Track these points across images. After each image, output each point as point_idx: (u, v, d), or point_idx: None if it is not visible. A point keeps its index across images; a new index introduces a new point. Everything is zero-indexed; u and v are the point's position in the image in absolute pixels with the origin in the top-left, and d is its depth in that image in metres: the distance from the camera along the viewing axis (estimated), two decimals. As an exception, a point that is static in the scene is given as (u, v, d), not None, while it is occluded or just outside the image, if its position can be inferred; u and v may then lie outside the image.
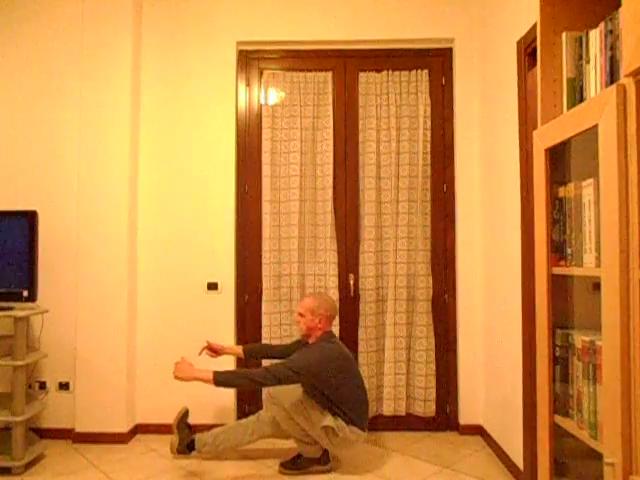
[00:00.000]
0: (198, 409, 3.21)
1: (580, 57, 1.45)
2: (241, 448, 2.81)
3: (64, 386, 3.15)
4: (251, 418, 2.73)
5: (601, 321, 1.21)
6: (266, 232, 3.29)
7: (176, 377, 2.43)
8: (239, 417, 3.26)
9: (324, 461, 2.65)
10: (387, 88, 3.33)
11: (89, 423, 3.05)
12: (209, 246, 3.27)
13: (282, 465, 2.65)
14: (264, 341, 3.24)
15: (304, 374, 2.42)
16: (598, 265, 1.29)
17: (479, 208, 3.25)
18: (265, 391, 2.59)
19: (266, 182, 3.30)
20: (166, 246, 3.28)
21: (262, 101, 3.37)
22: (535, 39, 2.29)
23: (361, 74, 3.37)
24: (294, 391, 2.58)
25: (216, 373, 2.37)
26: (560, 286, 1.54)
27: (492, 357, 3.00)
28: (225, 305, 3.26)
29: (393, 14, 3.30)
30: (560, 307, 1.54)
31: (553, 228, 1.52)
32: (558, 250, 1.51)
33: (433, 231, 3.31)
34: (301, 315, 2.67)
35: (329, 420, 2.50)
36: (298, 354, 2.53)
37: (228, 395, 3.22)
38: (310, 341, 2.69)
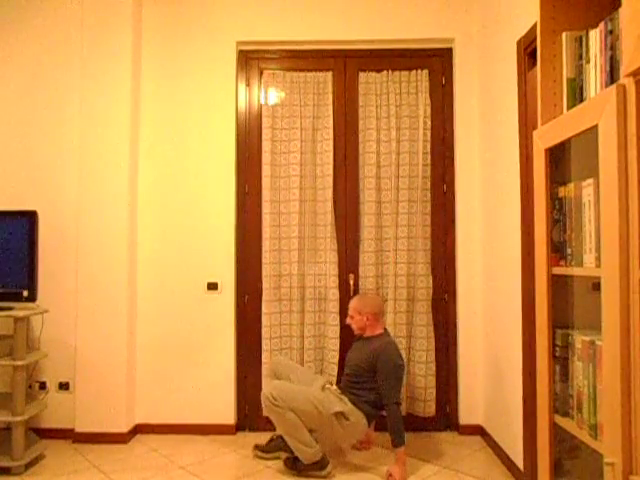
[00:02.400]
0: (198, 409, 3.21)
1: (580, 57, 1.45)
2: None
3: (64, 386, 3.15)
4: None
5: (601, 321, 1.21)
6: (266, 232, 3.29)
7: None
8: (239, 417, 3.26)
9: (322, 465, 2.59)
10: (387, 88, 3.33)
11: (89, 423, 3.05)
12: (209, 246, 3.27)
13: (285, 461, 2.65)
14: (264, 341, 3.22)
15: (401, 373, 2.64)
16: (598, 265, 1.29)
17: (479, 208, 3.25)
18: (266, 397, 2.51)
19: (266, 182, 3.30)
20: (166, 246, 3.28)
21: (262, 101, 3.37)
22: (535, 39, 2.29)
23: (361, 74, 3.37)
24: (295, 387, 2.61)
25: (397, 445, 2.53)
26: (560, 286, 1.54)
27: (492, 357, 3.00)
28: (225, 305, 3.26)
29: (393, 14, 3.30)
30: (560, 307, 1.54)
31: (553, 228, 1.52)
32: (558, 250, 1.51)
33: (433, 231, 3.31)
34: (351, 317, 2.81)
35: (339, 406, 2.56)
36: (381, 362, 2.60)
37: (228, 395, 3.22)
38: (366, 335, 2.79)
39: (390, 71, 3.34)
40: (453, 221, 3.31)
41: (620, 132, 1.14)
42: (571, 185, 1.45)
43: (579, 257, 1.40)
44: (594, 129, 1.26)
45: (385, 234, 3.30)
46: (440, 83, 3.35)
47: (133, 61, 3.19)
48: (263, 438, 2.98)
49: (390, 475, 2.54)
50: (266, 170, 3.31)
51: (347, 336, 3.26)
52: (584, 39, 1.43)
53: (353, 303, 2.81)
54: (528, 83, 2.44)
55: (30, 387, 3.13)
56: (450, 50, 3.35)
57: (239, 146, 3.36)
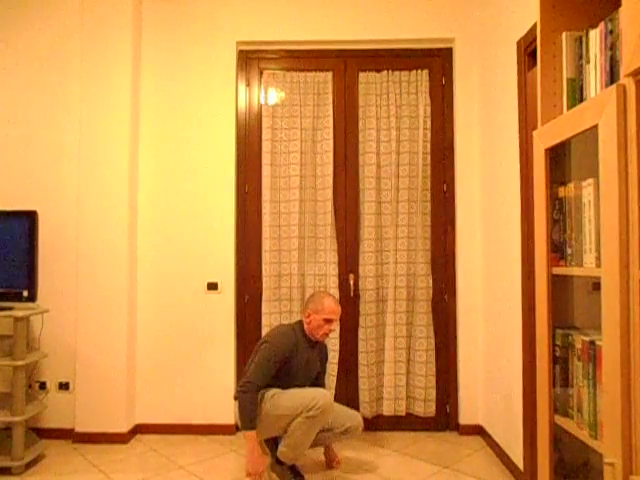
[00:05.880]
0: (198, 409, 3.21)
1: (580, 57, 1.45)
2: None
3: (64, 386, 3.15)
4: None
5: (601, 321, 1.21)
6: (266, 232, 3.29)
7: None
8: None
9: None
10: (387, 88, 3.33)
11: (89, 423, 3.05)
12: (209, 246, 3.27)
13: (273, 467, 2.61)
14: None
15: None
16: (598, 265, 1.29)
17: (479, 208, 3.25)
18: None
19: (266, 182, 3.30)
20: (166, 246, 3.28)
21: (262, 101, 3.37)
22: (535, 39, 2.29)
23: (361, 74, 3.37)
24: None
25: None
26: (560, 286, 1.54)
27: (492, 357, 3.00)
28: (225, 305, 3.26)
29: (393, 14, 3.30)
30: (560, 307, 1.54)
31: (553, 228, 1.52)
32: (558, 250, 1.51)
33: (433, 231, 3.31)
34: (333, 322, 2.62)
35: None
36: (325, 352, 2.78)
37: (228, 395, 3.22)
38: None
39: (390, 71, 3.34)
40: (453, 221, 3.31)
41: (620, 132, 1.14)
42: (571, 185, 1.45)
43: (579, 257, 1.40)
44: (594, 129, 1.26)
45: (385, 234, 3.30)
46: (440, 83, 3.35)
47: (133, 60, 3.19)
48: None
49: (337, 461, 2.66)
50: (266, 170, 3.31)
51: (347, 336, 3.27)
52: (584, 39, 1.43)
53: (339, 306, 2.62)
54: (528, 83, 2.44)
55: (30, 387, 3.14)
56: (450, 50, 3.35)
57: (239, 146, 3.36)
